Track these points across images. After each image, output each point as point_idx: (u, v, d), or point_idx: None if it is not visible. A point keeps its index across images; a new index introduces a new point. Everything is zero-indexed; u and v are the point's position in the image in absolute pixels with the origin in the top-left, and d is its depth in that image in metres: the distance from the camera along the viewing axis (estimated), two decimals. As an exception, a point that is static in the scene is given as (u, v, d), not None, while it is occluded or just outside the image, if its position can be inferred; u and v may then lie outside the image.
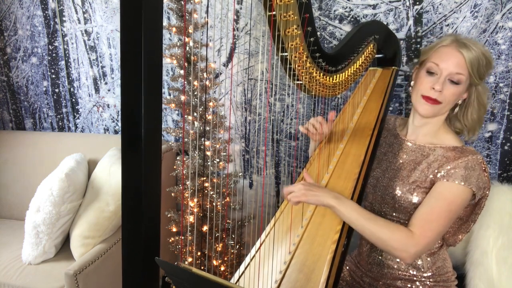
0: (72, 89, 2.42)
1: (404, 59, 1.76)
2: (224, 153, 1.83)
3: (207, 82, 1.81)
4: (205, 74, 1.77)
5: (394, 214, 1.18)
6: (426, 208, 1.04)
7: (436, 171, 1.08)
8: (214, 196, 1.79)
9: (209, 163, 1.78)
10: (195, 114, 1.75)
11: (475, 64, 1.05)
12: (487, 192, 1.10)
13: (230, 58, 2.04)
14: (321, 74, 1.17)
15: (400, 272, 1.19)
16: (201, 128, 1.76)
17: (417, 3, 1.70)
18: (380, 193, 1.21)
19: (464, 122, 1.14)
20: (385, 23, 1.74)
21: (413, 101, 1.16)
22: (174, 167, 1.95)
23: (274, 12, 0.97)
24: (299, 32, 1.03)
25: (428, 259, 1.18)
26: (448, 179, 1.04)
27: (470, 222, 1.17)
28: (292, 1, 0.97)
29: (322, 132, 1.24)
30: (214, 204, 1.80)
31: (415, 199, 1.11)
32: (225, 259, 1.87)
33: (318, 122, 1.24)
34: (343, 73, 1.26)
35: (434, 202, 1.04)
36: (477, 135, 1.19)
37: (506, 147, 1.74)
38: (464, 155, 1.06)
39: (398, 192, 1.14)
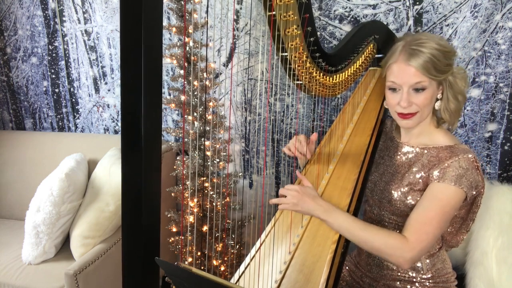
0: (72, 89, 2.42)
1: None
2: (224, 153, 1.83)
3: (207, 82, 1.81)
4: (205, 74, 1.77)
5: (392, 217, 1.17)
6: (420, 211, 1.03)
7: (428, 172, 1.08)
8: (214, 196, 1.79)
9: (209, 163, 1.78)
10: (195, 114, 1.75)
11: (430, 67, 1.03)
12: (482, 190, 1.09)
13: (230, 58, 2.05)
14: (321, 74, 1.17)
15: (399, 273, 1.19)
16: (201, 128, 1.76)
17: (417, 3, 1.70)
18: (377, 197, 1.21)
19: (445, 113, 1.11)
20: (385, 23, 1.74)
21: (392, 116, 1.16)
22: (174, 167, 1.95)
23: (274, 12, 0.97)
24: (299, 32, 1.03)
25: (427, 261, 1.18)
26: (440, 180, 1.03)
27: (469, 221, 1.16)
28: (292, 1, 0.98)
29: (303, 152, 1.23)
30: (214, 204, 1.80)
31: (410, 202, 1.10)
32: (225, 259, 1.87)
33: (299, 141, 1.22)
34: (343, 73, 1.26)
35: (427, 205, 1.03)
36: (456, 125, 1.16)
37: (506, 147, 1.74)
38: (455, 155, 1.05)
39: (394, 195, 1.14)
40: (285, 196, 1.05)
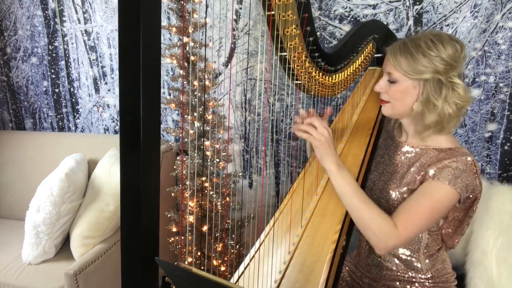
0: (72, 89, 2.42)
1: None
2: (224, 153, 1.83)
3: (207, 82, 1.81)
4: (205, 74, 1.77)
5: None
6: (411, 203, 1.04)
7: (425, 170, 1.07)
8: (214, 196, 1.79)
9: (209, 163, 1.78)
10: (195, 114, 1.75)
11: (402, 62, 1.03)
12: (479, 195, 1.08)
13: (230, 58, 2.05)
14: (321, 73, 1.17)
15: (399, 273, 1.19)
16: (201, 128, 1.76)
17: (417, 3, 1.70)
18: (376, 197, 1.20)
19: (420, 119, 1.08)
20: (385, 23, 1.74)
21: None
22: (174, 167, 1.95)
23: (273, 12, 0.97)
24: (298, 31, 1.03)
25: (427, 261, 1.18)
26: (435, 178, 1.03)
27: (464, 225, 1.16)
28: (291, 1, 0.97)
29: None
30: (214, 204, 1.80)
31: None
32: (225, 259, 1.87)
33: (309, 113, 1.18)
34: (343, 73, 1.26)
35: (419, 199, 1.03)
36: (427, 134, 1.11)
37: (506, 147, 1.74)
38: (454, 156, 1.04)
39: (392, 195, 1.13)
40: (313, 128, 1.03)
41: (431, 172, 1.05)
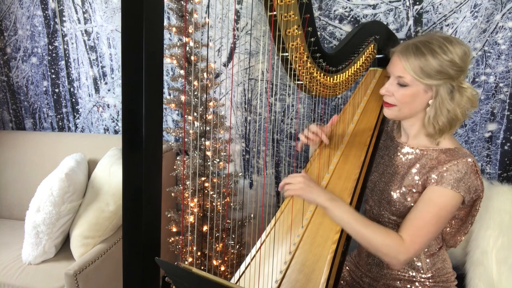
0: (72, 89, 2.42)
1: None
2: (224, 153, 1.83)
3: (207, 82, 1.81)
4: (205, 74, 1.77)
5: (392, 217, 1.17)
6: (416, 214, 1.04)
7: (427, 174, 1.07)
8: (214, 196, 1.79)
9: (209, 163, 1.78)
10: (195, 114, 1.75)
11: (415, 66, 1.02)
12: (482, 194, 1.08)
13: (230, 58, 2.04)
14: (322, 74, 1.17)
15: (399, 273, 1.19)
16: (201, 128, 1.76)
17: (417, 3, 1.70)
18: (377, 197, 1.21)
19: (434, 123, 1.08)
20: (385, 23, 1.75)
21: None
22: (174, 167, 1.95)
23: (274, 12, 0.97)
24: (299, 32, 1.03)
25: (428, 260, 1.18)
26: (438, 184, 1.03)
27: (468, 223, 1.16)
28: (293, 1, 0.98)
29: (320, 139, 1.26)
30: (214, 204, 1.80)
31: (410, 203, 1.11)
32: (225, 259, 1.87)
33: (313, 132, 1.24)
34: (344, 73, 1.26)
35: (424, 208, 1.03)
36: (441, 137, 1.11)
37: (506, 147, 1.74)
38: (454, 158, 1.04)
39: (393, 196, 1.14)
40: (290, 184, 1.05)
41: (433, 177, 1.05)
